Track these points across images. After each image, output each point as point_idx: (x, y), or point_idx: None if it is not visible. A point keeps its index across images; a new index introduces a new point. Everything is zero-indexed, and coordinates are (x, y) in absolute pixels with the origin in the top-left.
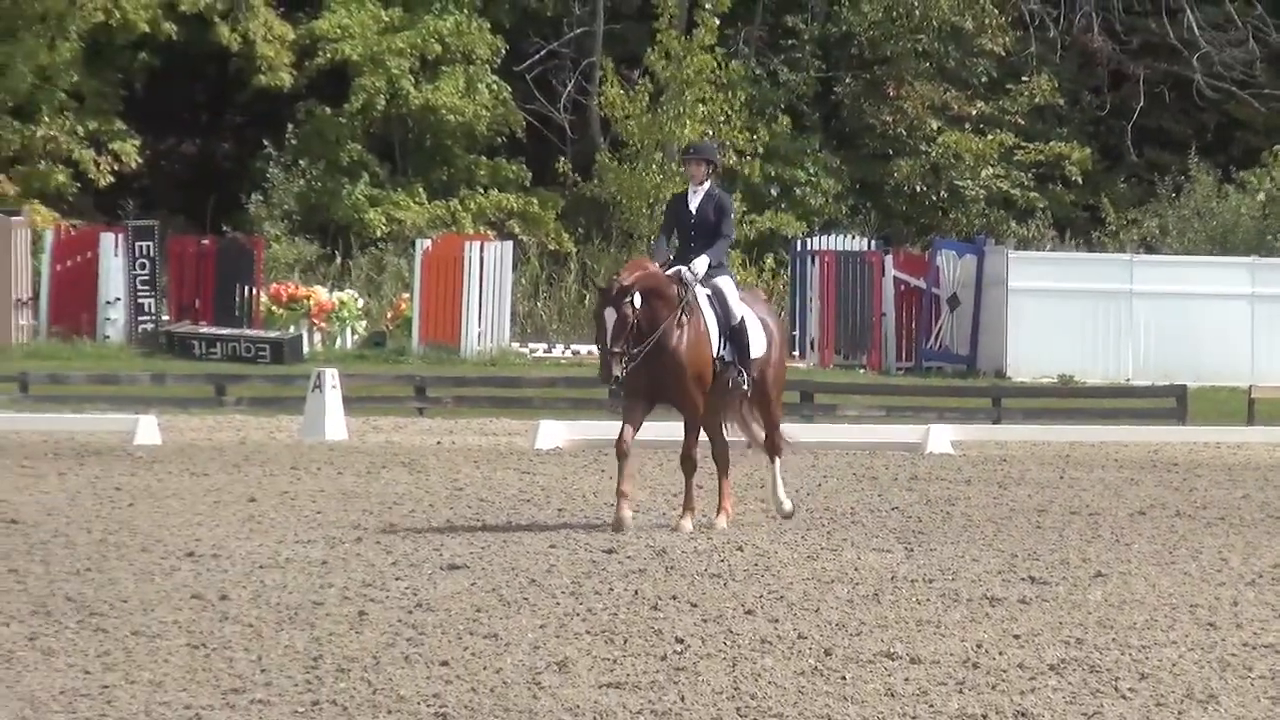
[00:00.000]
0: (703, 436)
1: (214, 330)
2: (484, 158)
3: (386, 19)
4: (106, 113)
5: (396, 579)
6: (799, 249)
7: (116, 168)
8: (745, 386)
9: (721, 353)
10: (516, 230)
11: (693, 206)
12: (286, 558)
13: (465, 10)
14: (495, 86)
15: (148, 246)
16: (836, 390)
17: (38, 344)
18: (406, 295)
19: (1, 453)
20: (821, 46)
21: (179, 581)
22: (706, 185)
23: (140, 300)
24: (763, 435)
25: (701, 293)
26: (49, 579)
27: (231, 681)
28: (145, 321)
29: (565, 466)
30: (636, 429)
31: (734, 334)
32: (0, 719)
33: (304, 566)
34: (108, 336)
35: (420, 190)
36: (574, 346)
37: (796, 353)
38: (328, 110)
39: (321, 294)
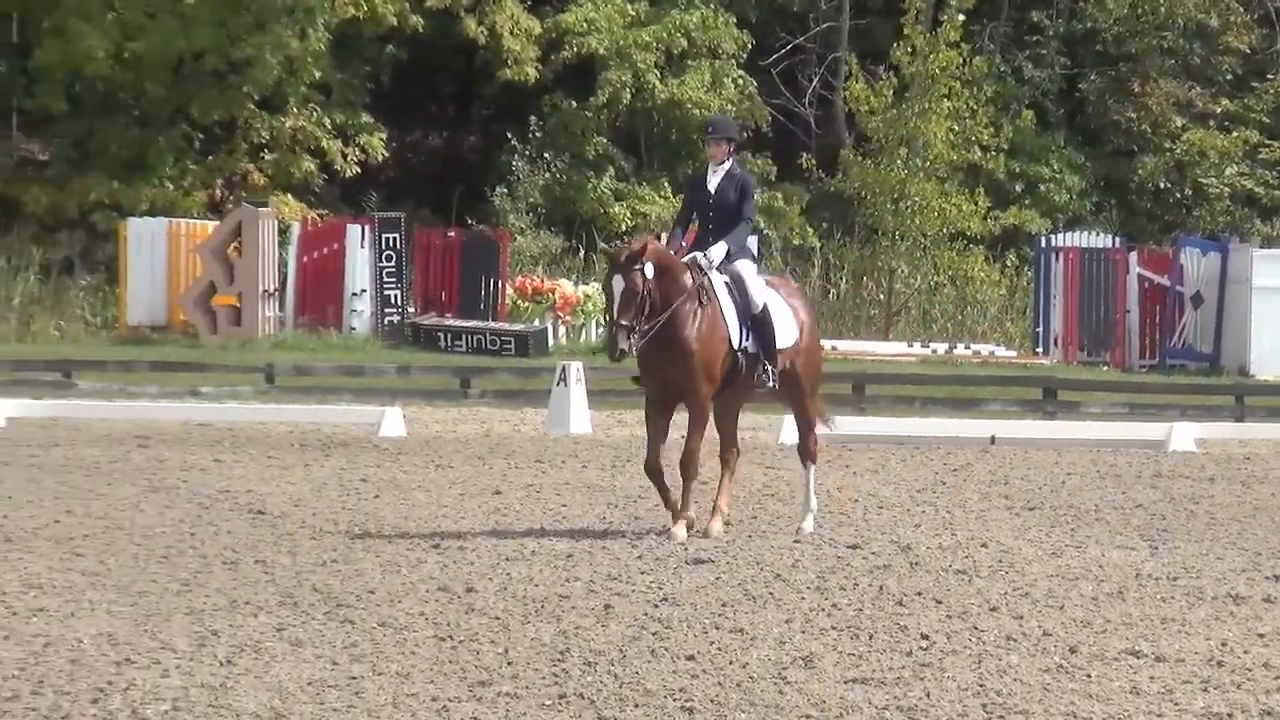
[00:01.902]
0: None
1: (459, 323)
2: None
3: (633, 13)
4: (353, 105)
5: (642, 573)
6: (1043, 246)
7: (363, 160)
8: (771, 382)
9: (744, 344)
10: (761, 224)
11: (712, 187)
12: (532, 550)
13: (711, 5)
14: (741, 81)
15: (394, 239)
16: (1080, 387)
17: (284, 335)
18: None
19: (248, 444)
20: (1066, 43)
21: (425, 573)
22: (727, 165)
23: (386, 292)
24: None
25: (719, 280)
26: (296, 570)
27: (478, 674)
28: (391, 314)
29: None
30: (663, 441)
31: (756, 323)
32: (249, 708)
33: (550, 559)
34: (353, 328)
35: (665, 184)
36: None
37: (1040, 349)
38: (573, 104)
39: (566, 287)
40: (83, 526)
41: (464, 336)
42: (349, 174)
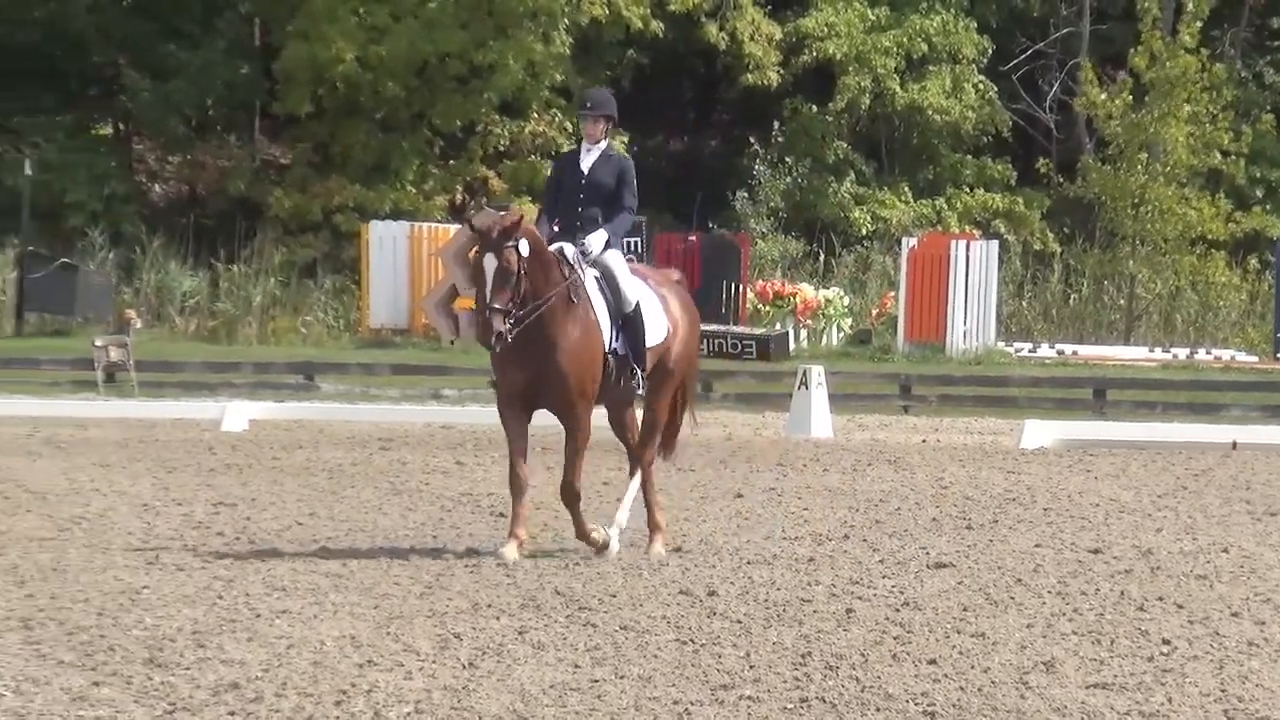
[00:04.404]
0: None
1: (701, 326)
2: (969, 157)
3: (873, 18)
4: None
5: (883, 577)
6: None
7: None
8: (639, 389)
9: (614, 346)
10: (1001, 229)
11: (585, 167)
12: (774, 554)
13: (952, 10)
14: (981, 86)
15: (635, 242)
16: None
17: None
18: (892, 293)
19: (490, 446)
20: None
21: (667, 577)
22: (604, 145)
23: None
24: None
25: (590, 276)
26: (538, 573)
27: (720, 677)
28: None
29: (1050, 466)
30: (526, 454)
31: (627, 323)
32: (491, 711)
33: (791, 563)
34: None
35: (905, 189)
36: (1059, 346)
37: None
38: (813, 108)
39: (808, 291)
40: (325, 529)
41: (705, 340)
42: None
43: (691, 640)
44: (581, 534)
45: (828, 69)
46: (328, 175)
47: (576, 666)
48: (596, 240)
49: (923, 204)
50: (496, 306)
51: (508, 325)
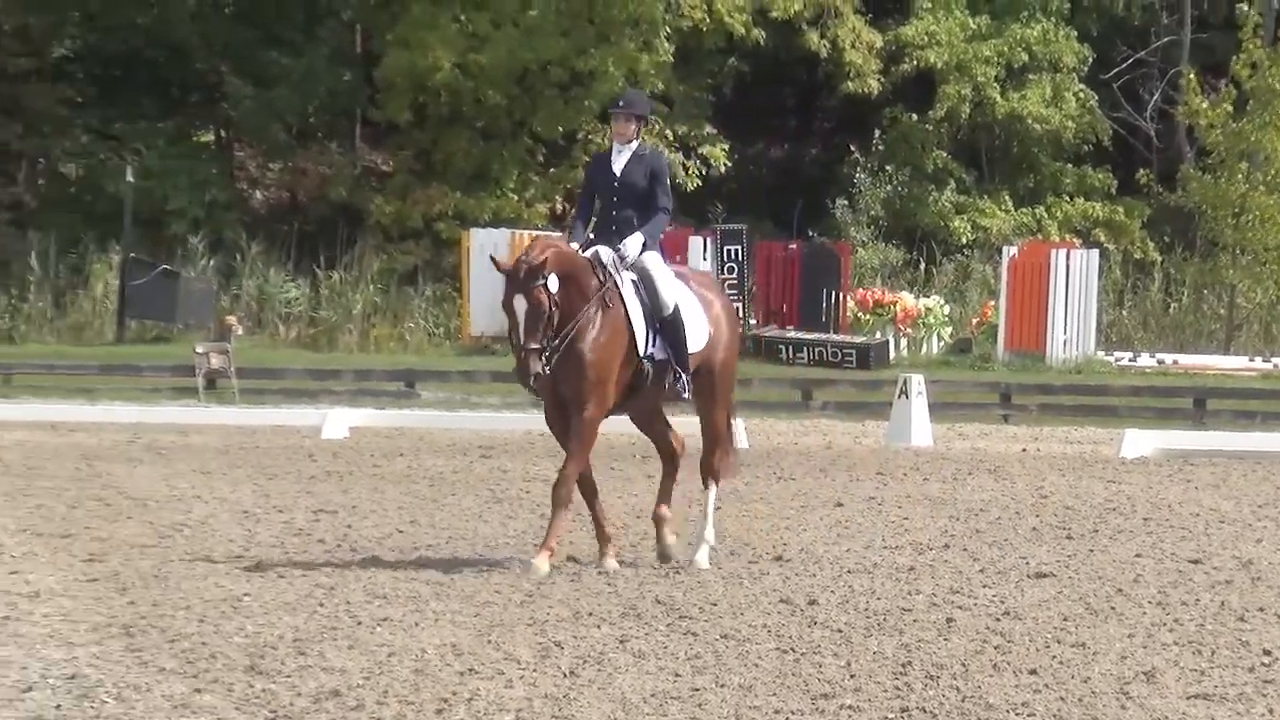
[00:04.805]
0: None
1: (800, 335)
2: (1070, 165)
3: (974, 26)
4: (696, 117)
5: (984, 586)
6: None
7: (705, 172)
8: (685, 393)
9: (651, 350)
10: (1101, 238)
11: (616, 168)
12: (874, 563)
13: (1053, 18)
14: (1081, 95)
15: (736, 250)
16: None
17: None
18: (992, 302)
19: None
20: None
21: (767, 586)
22: (634, 144)
23: None
24: (680, 448)
25: (626, 280)
26: (639, 581)
27: (821, 687)
28: None
29: (1151, 476)
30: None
31: (666, 327)
32: (593, 719)
33: (891, 572)
34: None
35: (1006, 197)
36: (1159, 355)
37: None
38: (913, 117)
39: (908, 300)
40: (426, 536)
41: (805, 348)
42: (690, 187)
43: (792, 649)
44: (552, 539)
45: (928, 77)
46: (429, 183)
47: (677, 675)
48: (633, 244)
49: (1023, 213)
50: (532, 347)
51: (543, 363)
